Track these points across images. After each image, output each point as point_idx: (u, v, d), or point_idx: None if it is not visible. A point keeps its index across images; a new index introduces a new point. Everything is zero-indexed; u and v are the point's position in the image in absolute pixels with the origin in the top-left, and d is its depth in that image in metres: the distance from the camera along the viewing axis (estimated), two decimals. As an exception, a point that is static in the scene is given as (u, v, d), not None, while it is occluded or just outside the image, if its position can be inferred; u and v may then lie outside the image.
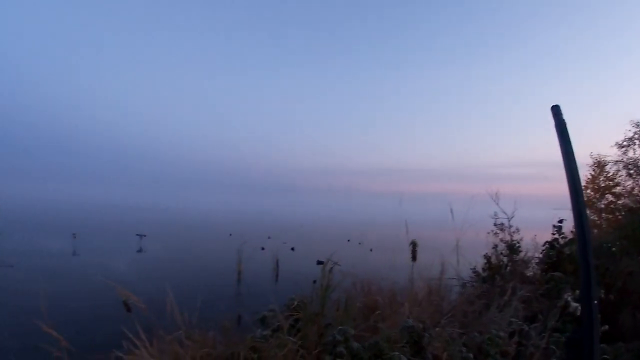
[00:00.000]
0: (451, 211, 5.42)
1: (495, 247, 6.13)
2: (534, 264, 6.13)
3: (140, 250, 20.02)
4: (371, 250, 20.43)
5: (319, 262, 15.67)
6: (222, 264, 15.18)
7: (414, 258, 4.97)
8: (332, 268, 3.65)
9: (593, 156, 11.84)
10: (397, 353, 2.72)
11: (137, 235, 23.21)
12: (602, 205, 11.25)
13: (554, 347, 3.45)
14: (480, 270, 6.04)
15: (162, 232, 30.63)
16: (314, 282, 3.98)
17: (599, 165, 11.67)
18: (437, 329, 3.44)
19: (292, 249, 22.09)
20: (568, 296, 4.50)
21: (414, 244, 4.97)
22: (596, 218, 11.11)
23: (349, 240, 26.95)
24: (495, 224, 6.32)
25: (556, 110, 1.61)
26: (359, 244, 25.80)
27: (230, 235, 27.79)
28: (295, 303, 3.55)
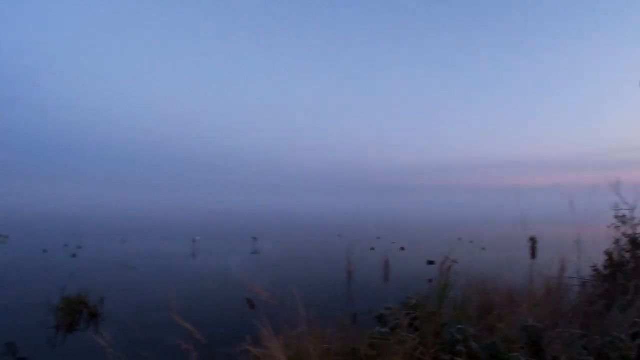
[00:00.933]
0: (570, 204, 5.09)
1: (616, 242, 5.63)
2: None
3: (255, 252, 21.19)
4: (484, 248, 19.64)
5: (430, 262, 15.45)
6: (333, 264, 15.56)
7: (533, 255, 4.75)
8: (450, 266, 3.66)
9: None
10: (516, 354, 2.67)
11: (252, 238, 24.63)
12: None
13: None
14: (601, 268, 5.59)
15: (274, 235, 32.19)
16: (430, 281, 4.01)
17: None
18: (557, 330, 3.30)
19: (402, 248, 21.88)
20: None
21: (533, 241, 4.76)
22: None
23: (459, 239, 26.12)
24: (616, 216, 5.77)
25: None
26: (471, 242, 24.87)
27: (340, 236, 28.31)
28: (414, 301, 3.62)
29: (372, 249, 20.57)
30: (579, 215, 5.08)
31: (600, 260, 5.61)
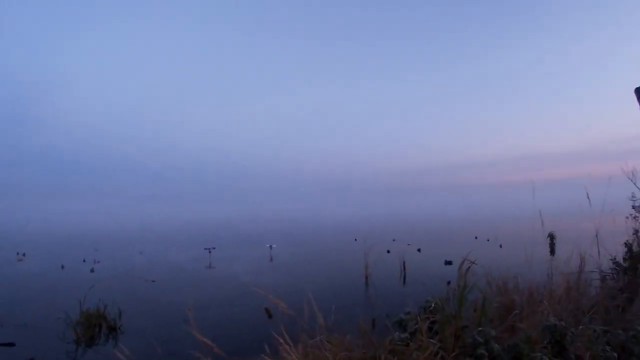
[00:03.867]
0: (587, 196, 4.99)
1: (635, 232, 5.50)
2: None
3: (271, 260, 21.21)
4: (501, 246, 19.42)
5: (447, 263, 15.31)
6: (349, 269, 15.50)
7: (552, 252, 4.64)
8: (469, 268, 3.59)
9: None
10: (538, 354, 2.60)
11: (267, 245, 24.63)
12: None
13: None
14: (621, 260, 5.46)
15: (289, 241, 32.21)
16: (448, 283, 3.94)
17: None
18: (580, 327, 3.22)
19: (419, 250, 21.70)
20: None
21: (551, 237, 4.65)
22: None
23: (476, 238, 25.80)
24: (633, 207, 5.67)
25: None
26: (487, 240, 24.59)
27: (355, 240, 28.19)
28: (432, 305, 3.56)
29: (388, 251, 20.42)
30: (596, 207, 5.01)
31: (620, 252, 5.51)
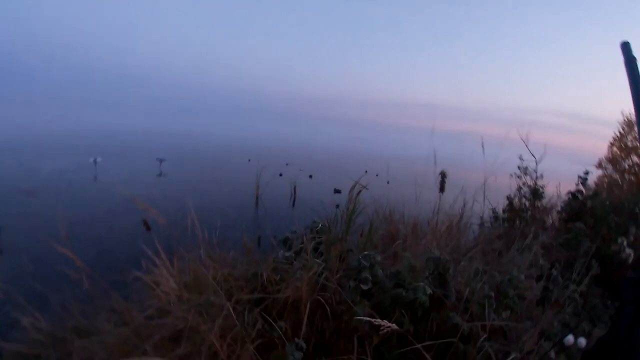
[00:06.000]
0: (482, 147, 5.29)
1: (519, 189, 6.08)
2: (554, 213, 6.06)
3: (160, 175, 20.18)
4: (388, 182, 20.40)
5: (337, 191, 15.72)
6: (241, 188, 15.26)
7: (441, 189, 4.86)
8: (360, 192, 3.58)
9: (624, 113, 11.47)
10: (422, 284, 2.69)
11: (157, 159, 23.34)
12: (626, 166, 11.02)
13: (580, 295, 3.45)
14: (500, 212, 6.00)
15: (182, 157, 30.88)
16: (337, 206, 3.94)
17: (629, 124, 11.30)
18: (461, 264, 3.42)
19: (310, 176, 21.94)
20: (623, 241, 4.48)
21: (443, 175, 4.85)
22: (618, 177, 10.90)
23: (366, 172, 26.60)
24: (519, 167, 6.22)
25: (626, 47, 1.48)
26: (376, 175, 25.74)
27: (249, 160, 27.82)
28: (319, 225, 3.54)
29: (280, 175, 20.44)
30: (488, 163, 5.30)
31: (501, 205, 6.00)
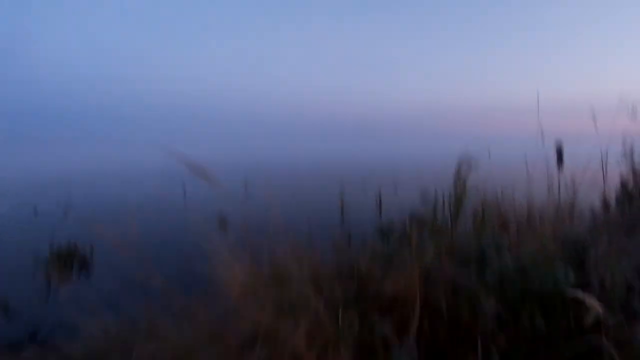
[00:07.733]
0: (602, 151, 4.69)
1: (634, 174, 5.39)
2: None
3: (246, 196, 20.82)
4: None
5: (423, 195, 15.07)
6: (324, 201, 15.21)
7: (560, 162, 4.10)
8: (470, 169, 2.98)
9: None
10: (562, 271, 2.07)
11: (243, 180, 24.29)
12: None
13: None
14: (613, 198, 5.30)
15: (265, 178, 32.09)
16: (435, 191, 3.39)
17: None
18: (599, 247, 2.73)
19: (395, 188, 21.54)
20: None
21: (559, 150, 4.08)
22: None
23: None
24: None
25: None
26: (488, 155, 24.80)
27: (331, 176, 28.06)
28: (423, 213, 2.98)
29: (363, 188, 20.23)
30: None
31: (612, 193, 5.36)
